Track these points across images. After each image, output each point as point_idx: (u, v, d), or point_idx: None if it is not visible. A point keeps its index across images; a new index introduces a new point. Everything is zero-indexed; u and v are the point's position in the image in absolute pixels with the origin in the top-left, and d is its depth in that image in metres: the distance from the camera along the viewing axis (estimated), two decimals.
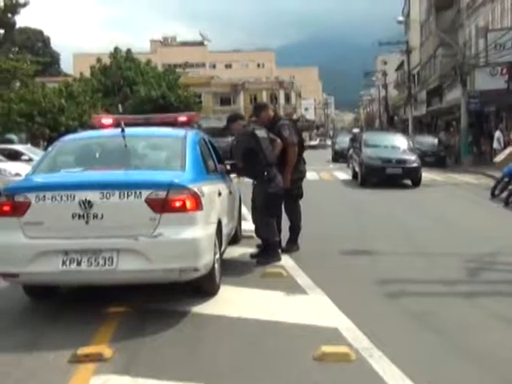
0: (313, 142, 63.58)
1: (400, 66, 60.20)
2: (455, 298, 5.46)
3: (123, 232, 4.68)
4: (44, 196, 4.74)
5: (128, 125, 5.80)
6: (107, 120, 6.66)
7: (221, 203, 5.94)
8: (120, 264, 4.63)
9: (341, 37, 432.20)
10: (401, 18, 46.67)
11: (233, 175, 7.33)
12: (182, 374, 3.71)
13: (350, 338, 4.32)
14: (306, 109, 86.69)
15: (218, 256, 5.49)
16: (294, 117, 55.57)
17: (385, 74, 63.49)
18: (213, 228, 5.28)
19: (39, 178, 5.22)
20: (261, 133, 6.83)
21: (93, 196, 4.68)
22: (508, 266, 6.86)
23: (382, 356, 3.95)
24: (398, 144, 18.33)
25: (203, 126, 11.86)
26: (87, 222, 4.69)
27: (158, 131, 6.22)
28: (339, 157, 31.74)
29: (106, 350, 4.06)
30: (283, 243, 7.41)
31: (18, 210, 4.76)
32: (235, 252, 7.33)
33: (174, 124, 6.63)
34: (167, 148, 5.83)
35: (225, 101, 64.78)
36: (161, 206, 4.70)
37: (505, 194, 12.72)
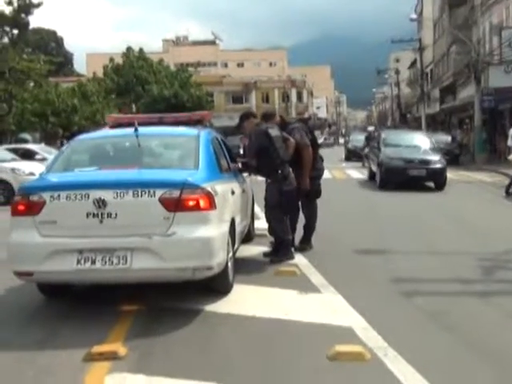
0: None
1: (413, 64, 59.88)
2: (470, 297, 5.41)
3: (137, 231, 4.70)
4: (58, 195, 4.76)
5: (141, 124, 5.82)
6: (121, 119, 6.68)
7: (234, 202, 5.94)
8: (134, 263, 4.65)
9: (353, 35, 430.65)
10: (414, 16, 46.41)
11: (245, 174, 7.33)
12: (196, 372, 3.71)
13: (364, 337, 4.29)
14: (318, 107, 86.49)
15: (231, 254, 5.49)
16: (306, 115, 55.45)
17: (397, 71, 63.11)
18: (226, 227, 5.28)
19: (54, 178, 5.25)
20: (274, 131, 6.82)
21: (107, 195, 4.70)
22: None
23: (397, 356, 3.92)
24: (420, 143, 17.01)
25: (215, 125, 11.86)
26: (101, 221, 4.71)
27: (172, 130, 6.23)
28: (352, 155, 31.58)
29: (121, 349, 4.08)
30: (296, 242, 7.39)
31: (33, 209, 4.79)
32: (248, 250, 7.32)
33: (187, 123, 6.64)
34: (180, 147, 5.84)
35: (237, 99, 64.75)
36: (174, 205, 4.71)
37: None
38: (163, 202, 4.71)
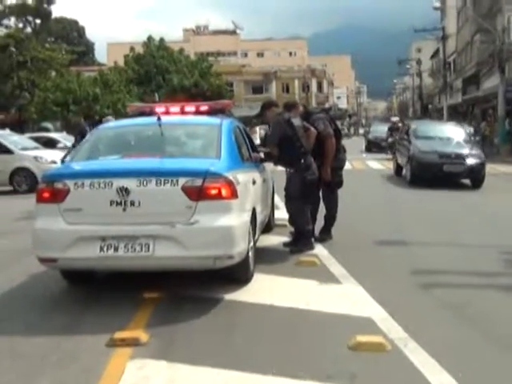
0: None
1: (435, 54, 59.10)
2: (492, 290, 5.36)
3: (160, 219, 4.74)
4: (83, 183, 4.82)
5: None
6: (142, 108, 6.72)
7: (255, 191, 5.95)
8: (156, 250, 4.69)
9: (374, 24, 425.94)
10: (437, 4, 45.67)
11: (267, 163, 7.32)
12: (217, 360, 3.74)
13: (384, 328, 4.29)
14: (339, 97, 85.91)
15: (252, 244, 5.51)
16: (326, 105, 55.15)
17: (419, 61, 62.34)
18: (247, 216, 5.30)
19: (78, 166, 5.32)
20: (296, 121, 6.80)
21: (130, 183, 4.74)
22: None
23: (418, 347, 3.91)
24: (455, 135, 15.34)
25: (234, 115, 11.86)
26: (124, 209, 4.75)
27: (194, 119, 6.25)
28: (373, 146, 31.09)
29: (142, 335, 4.13)
30: (316, 232, 7.39)
31: (58, 196, 4.86)
32: (268, 240, 7.34)
33: (208, 112, 6.65)
34: (203, 136, 5.86)
35: (256, 89, 64.56)
36: (197, 194, 4.73)
37: None
38: (186, 190, 4.73)
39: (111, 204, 4.77)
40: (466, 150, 14.13)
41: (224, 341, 4.13)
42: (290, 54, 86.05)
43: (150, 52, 45.87)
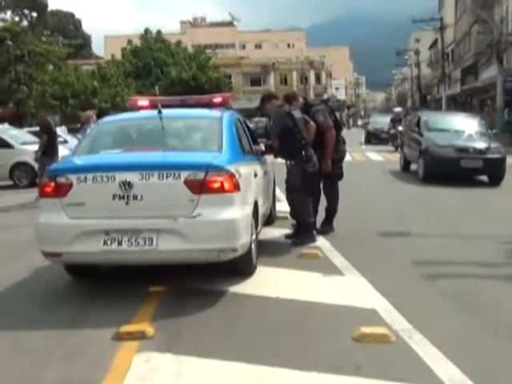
0: None
1: (433, 44, 58.97)
2: (495, 281, 5.37)
3: (163, 212, 4.74)
4: (85, 177, 4.82)
5: (163, 106, 5.84)
6: (143, 102, 6.71)
7: (257, 184, 5.96)
8: (160, 244, 4.70)
9: (372, 14, 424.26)
10: None
11: (267, 156, 7.32)
12: (223, 352, 3.76)
13: (388, 319, 4.31)
14: (337, 88, 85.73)
15: (254, 236, 5.52)
16: (325, 97, 55.03)
17: (417, 52, 62.20)
18: (250, 208, 5.31)
19: (80, 160, 5.32)
20: (297, 113, 6.80)
21: (133, 177, 4.74)
22: None
23: (422, 338, 3.93)
24: (471, 128, 13.89)
25: (233, 107, 11.86)
26: (127, 203, 4.76)
27: (195, 112, 6.25)
28: (372, 138, 30.85)
29: (148, 328, 4.15)
30: (318, 224, 7.40)
31: (61, 190, 4.86)
32: (270, 233, 7.35)
33: (208, 105, 6.65)
34: (204, 129, 5.86)
35: (255, 81, 64.39)
36: (199, 187, 4.74)
37: None
38: (188, 184, 4.74)
39: (114, 198, 4.77)
40: (484, 144, 12.86)
41: (230, 333, 4.15)
42: (288, 45, 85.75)
43: (148, 45, 45.70)
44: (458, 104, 45.60)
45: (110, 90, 35.70)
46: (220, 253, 4.82)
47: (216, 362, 3.63)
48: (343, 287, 5.17)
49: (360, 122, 66.81)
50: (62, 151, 14.91)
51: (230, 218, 4.82)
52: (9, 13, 48.82)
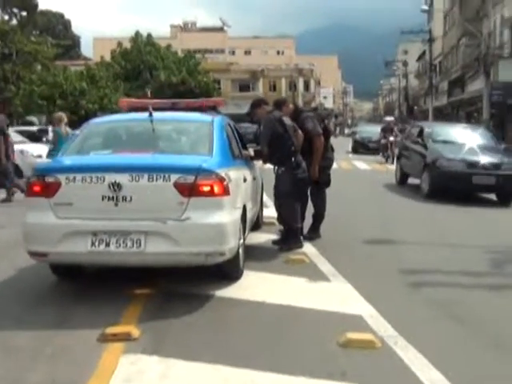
0: None
1: (421, 56, 59.59)
2: (479, 289, 5.45)
3: (151, 215, 4.74)
4: (74, 177, 4.80)
5: (155, 109, 5.84)
6: (134, 104, 6.71)
7: (245, 189, 5.98)
8: (148, 246, 4.69)
9: (362, 24, 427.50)
10: (425, 7, 46.09)
11: (256, 161, 7.34)
12: (209, 355, 3.75)
13: (374, 325, 4.34)
14: (325, 97, 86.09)
15: (242, 241, 5.53)
16: (313, 104, 55.28)
17: (406, 63, 62.81)
18: (238, 213, 5.32)
19: (69, 160, 5.29)
20: (287, 120, 6.83)
21: (122, 179, 4.73)
22: None
23: (408, 345, 3.96)
24: (478, 140, 12.88)
25: (222, 113, 11.88)
26: (116, 204, 4.74)
27: (186, 116, 6.25)
28: (359, 147, 30.73)
29: (134, 330, 4.13)
30: (305, 231, 7.42)
31: (49, 190, 4.83)
32: (257, 238, 7.36)
33: (200, 109, 6.66)
34: (194, 133, 5.86)
35: (244, 87, 64.55)
36: (189, 190, 4.74)
37: None
38: (178, 186, 4.74)
39: (103, 199, 4.75)
40: (497, 159, 11.79)
41: (216, 337, 4.14)
42: (278, 52, 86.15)
43: (138, 47, 45.58)
44: (445, 116, 46.10)
45: (98, 91, 35.53)
46: (208, 256, 4.82)
47: (202, 365, 3.63)
48: (329, 293, 5.19)
49: (347, 131, 67.16)
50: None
51: (219, 222, 4.82)
52: None
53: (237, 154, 6.26)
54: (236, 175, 5.51)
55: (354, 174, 18.53)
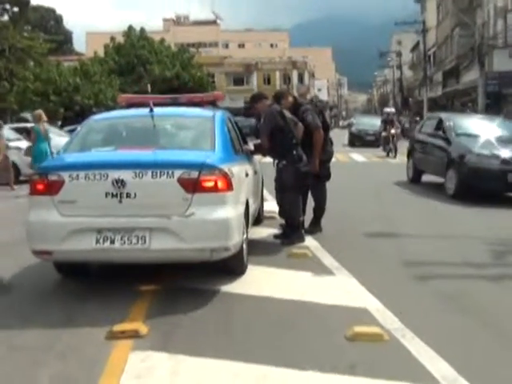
0: None
1: (415, 47, 59.52)
2: (483, 281, 5.46)
3: (156, 211, 4.73)
4: (77, 175, 4.79)
5: (154, 104, 5.82)
6: (134, 99, 6.68)
7: (247, 184, 5.98)
8: (153, 243, 4.69)
9: (355, 15, 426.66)
10: None
11: (257, 156, 7.34)
12: (218, 351, 3.77)
13: (380, 318, 4.36)
14: (319, 89, 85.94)
15: (245, 236, 5.54)
16: (308, 97, 55.19)
17: (399, 54, 62.77)
18: (242, 208, 5.33)
19: (72, 157, 5.28)
20: (287, 113, 6.83)
21: (126, 175, 4.72)
22: None
23: (415, 337, 3.98)
24: (506, 133, 11.64)
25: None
26: (120, 201, 4.74)
27: (187, 111, 6.23)
28: (356, 140, 29.71)
29: (142, 327, 4.14)
30: (306, 225, 7.43)
31: (52, 188, 4.82)
32: (259, 233, 7.37)
33: (199, 104, 6.64)
34: (196, 128, 5.86)
35: (238, 81, 64.43)
36: (193, 186, 4.74)
37: None
38: (182, 182, 4.73)
39: (107, 196, 4.74)
40: None
41: (224, 332, 4.16)
42: (272, 45, 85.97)
43: (131, 42, 45.36)
44: (439, 106, 46.14)
45: (92, 87, 35.35)
46: (213, 252, 4.82)
47: (212, 360, 3.64)
48: (334, 287, 5.20)
49: (342, 123, 67.13)
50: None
51: (224, 218, 4.82)
52: None
53: (238, 148, 6.26)
54: (238, 170, 5.51)
55: (358, 168, 18.36)
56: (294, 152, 6.71)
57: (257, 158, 7.48)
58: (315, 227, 7.56)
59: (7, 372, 3.53)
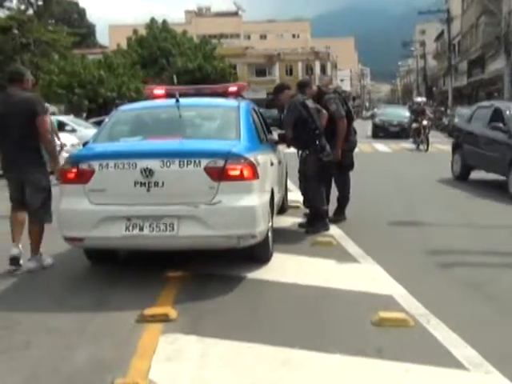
0: None
1: (440, 36, 58.76)
2: (508, 269, 5.46)
3: (183, 199, 4.83)
4: (107, 164, 4.91)
5: (180, 95, 5.90)
6: (159, 91, 6.79)
7: (272, 173, 6.04)
8: (181, 230, 4.79)
9: (378, 5, 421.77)
10: None
11: (281, 146, 7.39)
12: (246, 335, 3.85)
13: (405, 305, 4.40)
14: (342, 80, 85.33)
15: (271, 224, 5.61)
16: (330, 86, 54.89)
17: (423, 43, 62.03)
18: (267, 196, 5.40)
19: (102, 147, 5.40)
20: (310, 103, 6.86)
21: (154, 164, 4.82)
22: None
23: (440, 323, 4.02)
24: None
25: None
26: (148, 190, 4.84)
27: (212, 101, 6.32)
28: (380, 131, 28.26)
29: (171, 311, 4.24)
30: (330, 214, 7.47)
31: (83, 177, 4.95)
32: (283, 221, 7.44)
33: (224, 94, 6.72)
34: (222, 118, 5.93)
35: (260, 72, 64.36)
36: (219, 175, 4.82)
37: None
38: (208, 171, 4.82)
39: (135, 185, 4.85)
40: None
41: (251, 317, 4.24)
42: (294, 36, 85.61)
43: (153, 34, 45.61)
44: (464, 96, 45.53)
45: (116, 79, 35.71)
46: (240, 239, 4.90)
47: (240, 343, 3.72)
48: (359, 274, 5.25)
49: (365, 114, 66.60)
50: (72, 139, 15.10)
51: (250, 205, 4.90)
52: (15, 1, 48.71)
53: (263, 138, 6.32)
54: (263, 159, 5.58)
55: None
56: (317, 142, 6.75)
57: (281, 148, 7.54)
58: (339, 216, 7.60)
59: (44, 354, 3.65)
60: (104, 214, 4.88)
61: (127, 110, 6.33)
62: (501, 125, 10.41)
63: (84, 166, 4.97)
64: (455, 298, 4.68)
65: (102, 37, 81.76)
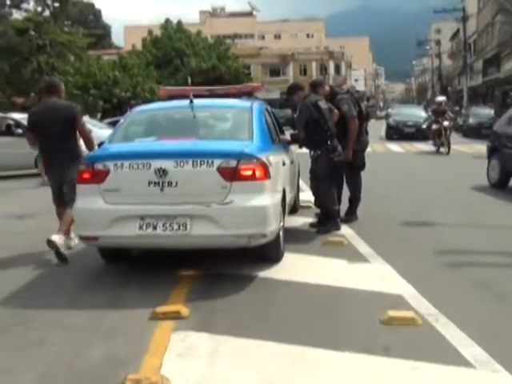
0: None
1: (455, 35, 58.38)
2: None
3: (196, 199, 4.91)
4: (122, 164, 5.00)
5: (194, 96, 5.98)
6: (173, 92, 6.88)
7: (284, 173, 6.10)
8: (193, 229, 4.87)
9: (392, 4, 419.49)
10: None
11: (293, 146, 7.45)
12: (257, 332, 3.91)
13: (414, 304, 4.43)
14: (356, 80, 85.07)
15: (282, 224, 5.67)
16: (344, 87, 54.76)
17: (438, 42, 61.64)
18: (279, 196, 5.46)
19: (116, 148, 5.50)
20: (323, 104, 6.91)
21: (167, 164, 4.91)
22: None
23: (448, 322, 4.05)
24: None
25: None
26: (162, 190, 4.93)
27: (225, 102, 6.40)
28: (394, 132, 26.97)
29: (183, 309, 4.32)
30: (342, 213, 7.51)
31: (98, 177, 5.05)
32: (294, 221, 7.49)
33: (237, 95, 6.79)
34: (234, 118, 6.01)
35: (274, 72, 64.42)
36: (231, 175, 4.89)
37: None
38: (221, 171, 4.89)
39: (149, 184, 4.94)
40: None
41: (262, 315, 4.30)
42: (308, 35, 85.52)
43: (168, 35, 45.85)
44: (479, 96, 45.19)
45: (130, 80, 35.98)
46: (251, 238, 4.97)
47: (251, 341, 3.78)
48: (369, 274, 5.29)
49: (379, 114, 66.29)
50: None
51: (261, 205, 4.96)
52: (32, 3, 49.29)
53: (275, 138, 6.39)
54: (276, 159, 5.64)
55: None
56: (329, 142, 6.79)
57: (293, 148, 7.60)
58: (351, 216, 7.64)
59: (58, 351, 3.74)
60: (118, 213, 4.97)
61: (142, 110, 6.43)
62: None
63: (99, 166, 5.07)
64: (465, 297, 4.70)
65: (118, 38, 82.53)
